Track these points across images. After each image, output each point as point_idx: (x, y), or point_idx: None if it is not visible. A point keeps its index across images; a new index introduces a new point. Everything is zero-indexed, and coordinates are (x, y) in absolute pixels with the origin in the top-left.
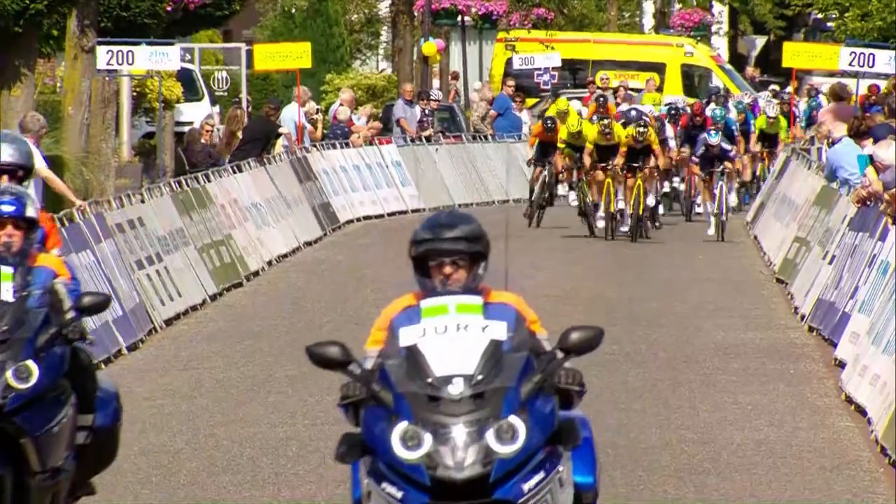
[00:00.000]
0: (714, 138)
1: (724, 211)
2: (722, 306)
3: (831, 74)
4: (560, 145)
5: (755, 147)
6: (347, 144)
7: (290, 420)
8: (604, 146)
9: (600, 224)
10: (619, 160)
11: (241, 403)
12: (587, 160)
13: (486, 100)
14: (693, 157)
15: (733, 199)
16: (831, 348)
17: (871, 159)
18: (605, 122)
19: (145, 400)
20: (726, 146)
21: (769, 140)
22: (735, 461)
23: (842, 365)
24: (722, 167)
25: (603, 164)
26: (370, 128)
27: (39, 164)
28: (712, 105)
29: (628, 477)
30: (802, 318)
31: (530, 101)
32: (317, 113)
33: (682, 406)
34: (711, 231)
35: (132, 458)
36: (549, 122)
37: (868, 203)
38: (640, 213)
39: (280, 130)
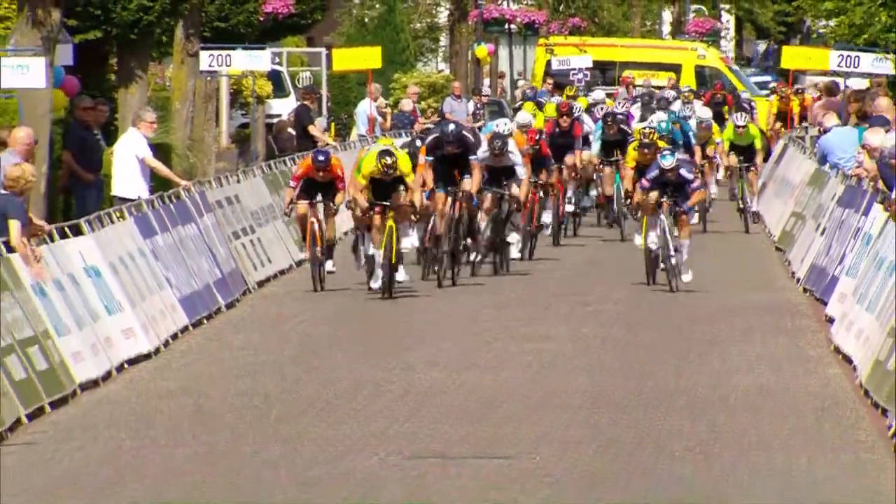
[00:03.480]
0: (668, 160)
1: (672, 254)
2: (729, 272)
3: (823, 74)
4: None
5: (722, 160)
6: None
7: (365, 367)
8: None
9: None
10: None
11: (322, 353)
12: (360, 198)
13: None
14: (643, 182)
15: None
16: (822, 307)
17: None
18: (389, 161)
19: (241, 350)
20: (687, 174)
21: (744, 152)
22: (741, 403)
23: (831, 321)
24: (673, 198)
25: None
26: (428, 119)
27: (145, 154)
28: (657, 115)
29: (650, 416)
30: (798, 281)
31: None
32: (385, 107)
33: (694, 358)
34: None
35: (229, 401)
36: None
37: (860, 181)
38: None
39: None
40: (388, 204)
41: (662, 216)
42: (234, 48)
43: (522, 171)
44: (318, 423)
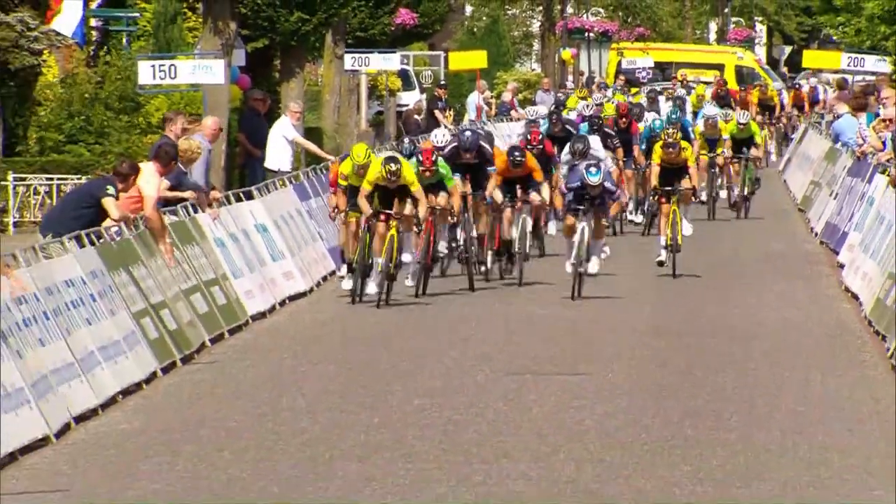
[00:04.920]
0: (595, 177)
1: (583, 260)
2: (761, 228)
3: (835, 72)
4: (342, 182)
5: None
6: (510, 119)
7: (471, 303)
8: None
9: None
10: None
11: (438, 296)
12: (364, 205)
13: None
14: (562, 187)
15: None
16: (835, 255)
17: (873, 117)
18: (393, 168)
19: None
20: (610, 186)
21: (744, 143)
22: (770, 330)
23: (842, 266)
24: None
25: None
26: (520, 116)
27: (294, 136)
28: (668, 105)
29: (699, 341)
30: (816, 235)
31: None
32: (491, 98)
33: (734, 295)
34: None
35: (368, 330)
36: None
37: (865, 156)
38: (679, 242)
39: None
40: (392, 213)
41: (583, 225)
42: (371, 52)
43: (610, 163)
44: (436, 346)
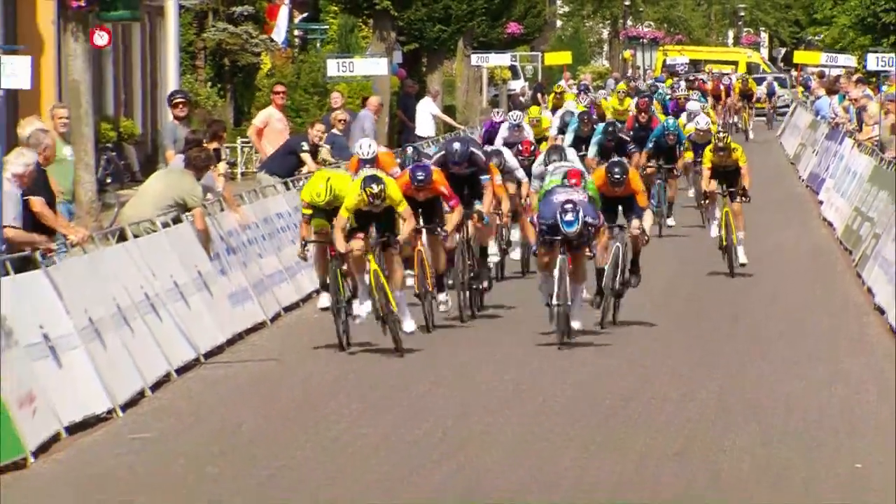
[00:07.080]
0: (572, 228)
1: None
2: (763, 177)
3: (816, 66)
4: (305, 211)
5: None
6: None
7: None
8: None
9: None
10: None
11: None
12: (339, 238)
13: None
14: (533, 218)
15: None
16: (816, 195)
17: (843, 98)
18: (375, 189)
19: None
20: (592, 220)
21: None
22: (766, 251)
23: (821, 202)
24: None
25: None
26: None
27: (436, 112)
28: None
29: (710, 257)
30: (803, 181)
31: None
32: (572, 86)
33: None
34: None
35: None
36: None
37: (837, 126)
38: (735, 242)
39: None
40: (385, 240)
41: (561, 258)
42: (489, 52)
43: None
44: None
